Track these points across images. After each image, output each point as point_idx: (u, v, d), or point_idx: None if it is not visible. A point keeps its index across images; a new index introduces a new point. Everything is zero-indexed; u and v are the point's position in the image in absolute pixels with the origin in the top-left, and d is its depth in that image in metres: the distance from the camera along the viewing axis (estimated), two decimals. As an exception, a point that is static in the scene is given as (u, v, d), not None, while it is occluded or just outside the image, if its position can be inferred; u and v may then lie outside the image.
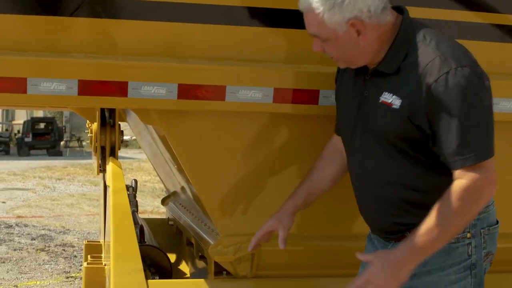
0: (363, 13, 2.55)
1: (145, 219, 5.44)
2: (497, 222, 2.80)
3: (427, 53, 2.55)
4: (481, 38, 3.37)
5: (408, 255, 2.54)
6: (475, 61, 2.56)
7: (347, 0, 2.52)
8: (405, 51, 2.61)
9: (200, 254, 3.99)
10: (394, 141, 2.66)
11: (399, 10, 2.70)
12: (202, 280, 3.54)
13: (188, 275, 4.28)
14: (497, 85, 3.36)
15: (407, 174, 2.68)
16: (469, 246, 2.68)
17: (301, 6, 2.63)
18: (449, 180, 2.54)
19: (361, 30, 2.59)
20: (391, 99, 2.62)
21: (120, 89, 2.97)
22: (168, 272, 3.92)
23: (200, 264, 4.06)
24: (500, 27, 3.40)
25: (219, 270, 3.53)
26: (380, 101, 2.66)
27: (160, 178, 5.77)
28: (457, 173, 2.52)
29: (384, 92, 2.65)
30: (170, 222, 5.17)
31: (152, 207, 12.91)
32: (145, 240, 4.17)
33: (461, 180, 2.50)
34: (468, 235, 2.67)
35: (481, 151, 2.51)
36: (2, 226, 10.95)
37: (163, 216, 6.09)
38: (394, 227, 2.78)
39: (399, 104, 2.59)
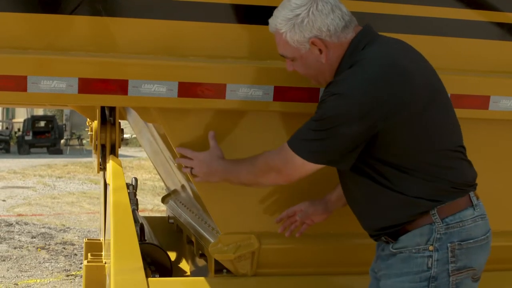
0: (322, 32, 2.73)
1: (145, 217, 5.44)
2: (484, 234, 2.76)
3: (342, 75, 2.69)
4: (480, 36, 3.37)
5: (219, 170, 3.02)
6: (369, 92, 2.60)
7: (306, 20, 2.71)
8: (348, 67, 2.70)
9: (200, 252, 3.98)
10: None
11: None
12: (202, 278, 3.54)
13: (189, 273, 4.28)
14: (497, 83, 3.38)
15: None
16: (429, 259, 2.68)
17: (270, 28, 2.85)
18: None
19: (322, 48, 2.75)
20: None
21: (121, 87, 2.97)
22: (169, 270, 3.92)
23: (201, 262, 4.06)
24: (500, 25, 3.40)
25: (220, 268, 3.53)
26: None
27: (160, 176, 5.77)
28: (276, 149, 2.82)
29: None
30: (171, 220, 5.17)
31: (152, 205, 12.91)
32: (146, 238, 4.16)
33: (272, 151, 2.83)
34: (430, 247, 2.68)
35: (297, 141, 2.72)
36: (2, 224, 10.96)
37: (164, 214, 6.09)
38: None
39: None
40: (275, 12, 2.80)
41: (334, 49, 2.75)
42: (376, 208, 2.79)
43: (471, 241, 2.72)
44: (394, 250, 2.75)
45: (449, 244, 2.68)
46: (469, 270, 2.71)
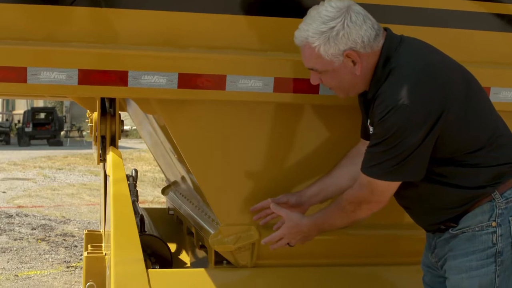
0: (357, 44, 2.69)
1: (146, 209, 5.44)
2: None
3: (387, 88, 2.67)
4: (482, 27, 3.36)
5: (311, 228, 3.02)
6: (420, 95, 2.61)
7: (341, 33, 2.67)
8: (385, 78, 2.70)
9: (200, 243, 3.99)
10: None
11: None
12: (202, 269, 3.54)
13: (189, 264, 4.28)
14: (498, 74, 3.38)
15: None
16: (494, 235, 2.72)
17: (297, 40, 2.79)
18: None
19: (356, 60, 2.72)
20: (369, 124, 2.80)
21: (120, 78, 2.96)
22: (169, 261, 3.92)
23: (201, 253, 4.07)
24: (501, 16, 3.39)
25: (220, 260, 3.53)
26: (368, 124, 2.84)
27: (161, 167, 5.78)
28: (360, 175, 2.80)
29: (368, 117, 2.84)
30: (171, 212, 5.18)
31: (152, 197, 12.91)
32: (146, 230, 4.17)
33: (352, 188, 2.84)
34: (493, 223, 2.72)
35: (379, 169, 2.69)
36: (2, 216, 10.97)
37: (164, 206, 6.09)
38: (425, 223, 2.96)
39: (372, 130, 2.76)
40: (303, 25, 2.75)
41: (368, 60, 2.73)
42: (436, 206, 2.81)
43: None
44: (456, 232, 2.77)
45: (510, 218, 2.73)
46: None
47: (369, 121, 2.80)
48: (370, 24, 2.70)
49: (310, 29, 2.71)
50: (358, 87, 2.82)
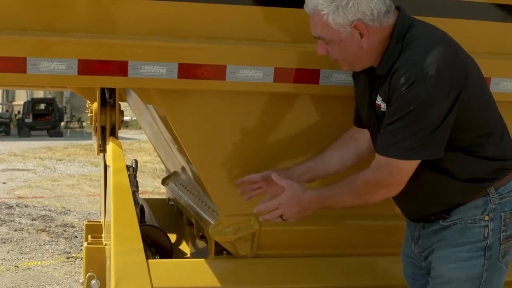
0: (366, 16, 2.65)
1: (146, 199, 5.44)
2: None
3: (409, 59, 2.61)
4: (483, 17, 3.35)
5: (312, 201, 2.85)
6: (445, 66, 2.57)
7: (351, 3, 2.63)
8: (397, 54, 2.67)
9: (200, 234, 3.99)
10: None
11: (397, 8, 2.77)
12: (202, 260, 3.55)
13: (189, 255, 4.29)
14: (498, 65, 3.37)
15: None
16: (486, 229, 2.73)
17: (307, 8, 2.74)
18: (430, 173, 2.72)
19: (364, 33, 2.68)
20: (380, 102, 2.72)
21: (120, 68, 2.96)
22: (169, 252, 3.92)
23: (201, 244, 4.07)
24: (502, 7, 3.38)
25: (220, 250, 3.53)
26: (375, 103, 2.76)
27: (161, 158, 5.77)
28: (376, 156, 2.70)
29: (378, 95, 2.75)
30: (171, 202, 5.18)
31: (152, 187, 12.93)
32: (146, 220, 4.17)
33: (369, 168, 2.71)
34: (486, 217, 2.73)
35: (396, 147, 2.61)
36: (2, 207, 10.98)
37: (164, 197, 6.09)
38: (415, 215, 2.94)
39: (385, 107, 2.69)
40: None
41: (376, 34, 2.69)
42: (432, 196, 2.79)
43: None
44: (447, 223, 2.77)
45: (502, 214, 2.74)
46: None
47: (379, 98, 2.72)
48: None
49: None
50: (364, 61, 2.77)
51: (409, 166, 2.64)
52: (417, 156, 2.62)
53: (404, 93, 2.56)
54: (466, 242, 2.73)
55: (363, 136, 3.06)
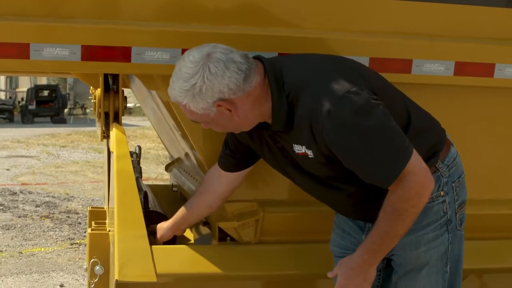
0: (225, 93, 2.57)
1: (149, 185, 5.44)
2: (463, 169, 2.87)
3: (306, 100, 2.55)
4: (487, 3, 3.34)
5: (367, 258, 2.64)
6: (350, 77, 2.55)
7: (204, 88, 2.55)
8: (286, 103, 2.60)
9: (204, 220, 3.99)
10: (336, 176, 2.73)
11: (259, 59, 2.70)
12: (206, 246, 3.55)
13: (192, 241, 4.28)
14: (503, 51, 3.36)
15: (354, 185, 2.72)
16: (444, 204, 2.76)
17: (171, 98, 2.70)
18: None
19: (229, 108, 2.61)
20: (304, 150, 2.66)
21: (124, 54, 2.95)
22: (172, 238, 3.92)
23: (204, 230, 4.06)
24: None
25: (223, 236, 3.53)
26: (296, 153, 2.70)
27: (164, 144, 5.77)
28: (391, 188, 2.55)
29: (293, 145, 2.69)
30: (174, 188, 5.17)
31: (156, 174, 12.95)
32: (149, 206, 4.16)
33: (395, 191, 2.52)
34: (442, 193, 2.76)
35: (395, 164, 2.50)
36: (6, 193, 11.00)
37: (167, 183, 6.09)
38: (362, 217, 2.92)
39: (313, 154, 2.63)
40: (171, 83, 2.64)
41: (244, 102, 2.61)
42: (380, 194, 2.63)
43: (462, 175, 2.84)
44: None
45: (453, 184, 2.79)
46: (464, 203, 2.85)
47: (300, 148, 2.66)
48: (234, 68, 2.55)
49: (176, 88, 2.61)
50: (248, 125, 2.73)
51: (416, 157, 2.53)
52: (411, 146, 2.53)
53: (339, 127, 2.48)
54: (430, 222, 2.75)
55: (227, 179, 3.15)
